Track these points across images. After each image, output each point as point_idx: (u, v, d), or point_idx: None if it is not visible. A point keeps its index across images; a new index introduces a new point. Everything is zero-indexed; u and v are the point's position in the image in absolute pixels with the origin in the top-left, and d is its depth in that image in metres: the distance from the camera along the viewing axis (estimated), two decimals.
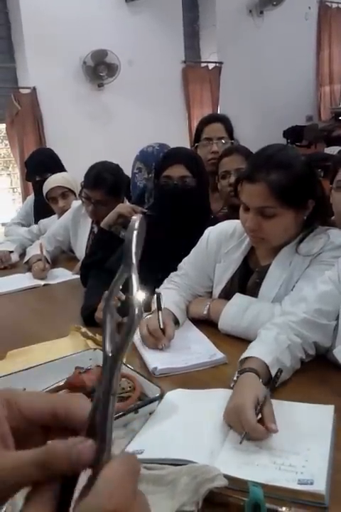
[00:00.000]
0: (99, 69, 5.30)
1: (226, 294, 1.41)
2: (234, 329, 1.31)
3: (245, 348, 1.09)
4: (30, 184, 3.75)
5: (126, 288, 0.33)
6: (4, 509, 0.32)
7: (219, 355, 1.20)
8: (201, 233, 1.54)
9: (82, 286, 1.81)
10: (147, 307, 1.35)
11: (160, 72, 5.80)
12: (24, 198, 4.60)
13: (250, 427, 0.83)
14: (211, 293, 1.50)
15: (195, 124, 5.51)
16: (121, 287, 0.35)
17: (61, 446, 0.30)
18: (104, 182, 2.05)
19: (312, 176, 1.29)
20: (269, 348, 1.05)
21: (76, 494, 0.30)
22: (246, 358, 1.04)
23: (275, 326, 1.12)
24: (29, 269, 2.26)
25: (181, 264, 1.54)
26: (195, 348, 1.26)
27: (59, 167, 2.93)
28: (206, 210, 1.75)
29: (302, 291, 1.20)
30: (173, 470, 0.75)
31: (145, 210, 1.78)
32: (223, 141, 2.19)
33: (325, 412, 0.92)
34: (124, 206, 1.92)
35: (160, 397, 0.97)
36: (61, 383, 1.02)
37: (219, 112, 6.11)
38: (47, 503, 0.29)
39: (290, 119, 6.66)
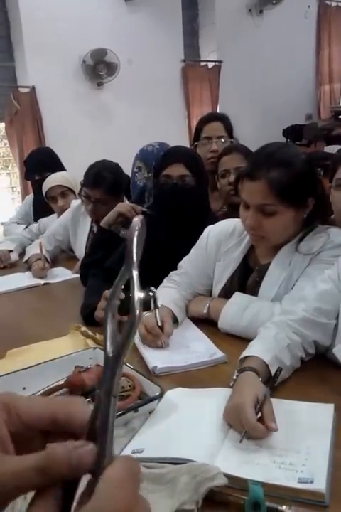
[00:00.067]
0: (99, 68, 5.29)
1: (226, 293, 1.41)
2: (233, 328, 1.31)
3: (245, 347, 1.08)
4: (29, 183, 3.75)
5: (128, 288, 0.33)
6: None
7: (219, 354, 1.20)
8: (201, 232, 1.54)
9: (81, 286, 1.81)
10: (146, 306, 1.35)
11: (159, 71, 5.80)
12: (23, 198, 4.60)
13: (250, 426, 0.83)
14: (211, 292, 1.50)
15: (194, 122, 5.51)
16: (122, 287, 0.35)
17: (61, 451, 0.29)
18: (104, 181, 2.04)
19: (313, 174, 1.30)
20: (269, 346, 1.05)
21: (76, 499, 0.30)
22: (246, 357, 1.03)
23: (274, 324, 1.12)
24: (29, 269, 2.26)
25: (181, 263, 1.54)
26: (194, 347, 1.26)
27: (58, 166, 2.93)
28: (205, 209, 1.74)
29: (302, 290, 1.20)
30: (173, 469, 0.75)
31: (145, 210, 1.78)
32: (222, 140, 2.19)
33: (325, 411, 0.92)
34: (124, 205, 1.92)
35: (160, 396, 0.97)
36: (61, 382, 1.02)
37: (218, 110, 6.10)
38: (50, 509, 0.29)
39: (290, 117, 6.65)
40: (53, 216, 2.73)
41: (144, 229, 0.34)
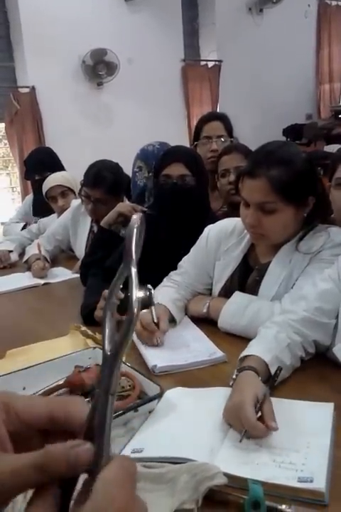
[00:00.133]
0: (99, 68, 5.29)
1: (226, 292, 1.41)
2: (233, 327, 1.31)
3: (245, 346, 1.08)
4: (29, 183, 3.76)
5: (126, 286, 0.33)
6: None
7: (219, 353, 1.20)
8: (201, 232, 1.54)
9: (81, 285, 1.81)
10: (144, 305, 1.35)
11: (159, 71, 5.80)
12: (23, 198, 4.60)
13: (250, 425, 0.83)
14: (211, 291, 1.50)
15: (194, 122, 5.51)
16: (121, 286, 0.35)
17: (59, 449, 0.30)
18: (104, 180, 2.04)
19: (313, 173, 1.30)
20: (269, 346, 1.05)
21: (74, 498, 0.30)
22: (246, 356, 1.03)
23: (275, 324, 1.12)
24: (28, 269, 2.26)
25: (181, 263, 1.54)
26: (194, 346, 1.26)
27: (58, 166, 2.93)
28: (205, 209, 1.74)
29: (302, 290, 1.20)
30: (173, 468, 0.75)
31: (146, 209, 1.78)
32: (222, 139, 2.18)
33: (325, 410, 0.92)
34: (124, 205, 1.92)
35: (160, 395, 0.97)
36: (61, 382, 1.02)
37: (218, 110, 6.10)
38: (49, 508, 0.29)
39: (290, 117, 6.65)
40: (53, 216, 2.73)
41: (143, 226, 0.34)
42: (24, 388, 1.03)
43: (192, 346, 1.27)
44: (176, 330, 1.37)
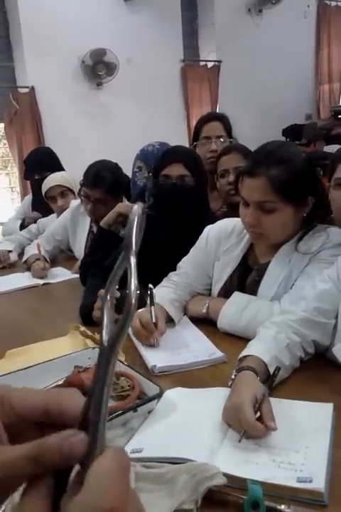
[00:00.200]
0: (98, 68, 5.29)
1: (226, 292, 1.41)
2: (232, 328, 1.31)
3: (244, 346, 1.08)
4: (28, 184, 3.75)
5: (123, 286, 0.33)
6: (3, 509, 0.32)
7: (219, 353, 1.20)
8: (200, 232, 1.54)
9: (81, 286, 1.81)
10: (141, 302, 1.35)
11: (158, 71, 5.80)
12: (23, 198, 4.60)
13: (249, 425, 0.83)
14: (210, 291, 1.50)
15: (193, 122, 5.51)
16: (117, 286, 0.35)
17: (53, 440, 0.29)
18: (103, 180, 2.04)
19: (313, 173, 1.30)
20: (268, 346, 1.05)
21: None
22: (245, 357, 1.03)
23: (274, 324, 1.12)
24: (28, 269, 2.26)
25: (180, 264, 1.54)
26: (194, 347, 1.26)
27: (58, 166, 2.93)
28: (205, 209, 1.74)
29: (301, 290, 1.20)
30: (172, 468, 0.75)
31: (146, 209, 1.78)
32: (222, 139, 2.19)
33: (324, 410, 0.92)
34: (124, 205, 1.92)
35: (159, 395, 0.97)
36: (60, 382, 1.02)
37: (217, 110, 6.10)
38: (43, 497, 0.29)
39: (289, 117, 6.66)
40: (53, 216, 2.73)
41: (144, 217, 0.34)
42: None
43: (191, 346, 1.27)
44: (175, 330, 1.37)
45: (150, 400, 0.96)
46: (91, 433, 0.30)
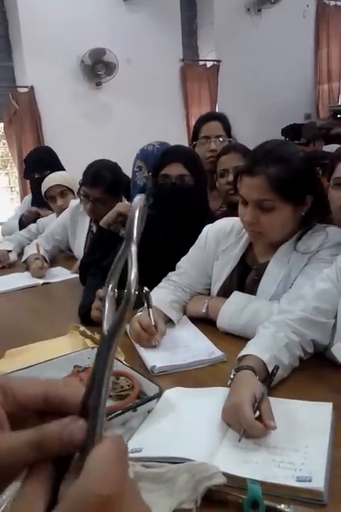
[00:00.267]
0: (97, 68, 5.29)
1: (225, 292, 1.41)
2: (232, 327, 1.31)
3: (243, 346, 1.08)
4: (28, 183, 3.75)
5: (122, 287, 0.33)
6: (4, 497, 0.32)
7: (218, 353, 1.20)
8: (199, 232, 1.54)
9: (80, 285, 1.81)
10: (139, 302, 1.35)
11: (158, 71, 5.80)
12: (22, 197, 4.60)
13: (248, 425, 0.83)
14: (210, 291, 1.50)
15: (193, 122, 5.49)
16: (117, 288, 0.35)
17: (53, 427, 0.30)
18: (103, 180, 2.04)
19: (311, 172, 1.30)
20: (267, 345, 1.05)
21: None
22: (244, 356, 1.03)
23: (273, 324, 1.12)
24: (27, 269, 2.26)
25: (179, 264, 1.54)
26: (193, 346, 1.26)
27: (57, 165, 2.93)
28: (204, 209, 1.74)
29: (300, 289, 1.20)
30: (172, 468, 0.75)
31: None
32: (221, 139, 2.19)
33: (324, 410, 0.92)
34: (124, 205, 1.92)
35: (159, 395, 0.97)
36: None
37: (217, 110, 6.10)
38: (43, 482, 0.29)
39: (289, 117, 6.66)
40: (52, 216, 2.73)
41: (146, 208, 0.34)
42: None
43: (191, 346, 1.27)
44: (175, 330, 1.37)
45: (150, 399, 0.96)
46: (91, 420, 0.30)
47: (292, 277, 1.29)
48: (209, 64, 6.40)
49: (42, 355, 1.18)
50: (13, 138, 5.14)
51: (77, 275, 1.97)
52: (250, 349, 1.05)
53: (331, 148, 5.03)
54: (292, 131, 6.59)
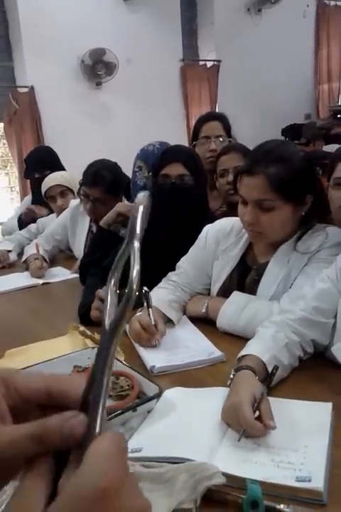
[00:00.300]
0: (97, 68, 5.29)
1: (225, 292, 1.41)
2: (232, 328, 1.31)
3: (243, 346, 1.08)
4: (28, 183, 3.76)
5: (123, 286, 0.33)
6: (4, 497, 0.32)
7: (218, 353, 1.20)
8: (199, 232, 1.54)
9: (80, 285, 1.81)
10: (138, 302, 1.35)
11: (158, 71, 5.80)
12: (22, 198, 4.60)
13: (248, 425, 0.83)
14: (210, 291, 1.50)
15: (193, 122, 5.49)
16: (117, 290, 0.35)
17: (54, 421, 0.30)
18: (103, 180, 2.04)
19: (311, 172, 1.30)
20: (266, 345, 1.05)
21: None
22: (244, 356, 1.03)
23: (273, 324, 1.12)
24: (27, 269, 2.26)
25: (179, 264, 1.54)
26: (193, 346, 1.26)
27: (58, 165, 2.93)
28: (204, 209, 1.74)
29: (300, 289, 1.20)
30: (171, 468, 0.75)
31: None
32: (221, 139, 2.19)
33: (323, 410, 0.92)
34: (124, 205, 1.92)
35: (159, 395, 0.97)
36: None
37: (217, 110, 6.10)
38: (44, 475, 0.29)
39: (289, 117, 6.66)
40: (52, 216, 2.73)
41: (150, 205, 0.35)
42: None
43: (190, 346, 1.27)
44: (175, 330, 1.37)
45: (150, 399, 0.96)
46: (91, 415, 0.30)
47: (292, 277, 1.29)
48: (209, 64, 6.40)
49: (42, 355, 1.18)
50: (13, 138, 5.14)
51: (76, 275, 1.97)
52: (250, 349, 1.05)
53: (331, 148, 5.03)
54: (292, 131, 6.59)
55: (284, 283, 1.30)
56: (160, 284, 1.50)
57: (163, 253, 1.59)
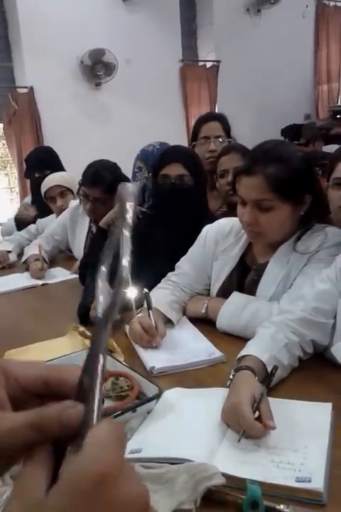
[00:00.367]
0: (97, 68, 5.29)
1: (224, 292, 1.41)
2: (231, 328, 1.31)
3: (243, 346, 1.08)
4: (27, 184, 3.75)
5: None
6: (4, 497, 0.33)
7: (218, 353, 1.20)
8: (199, 232, 1.54)
9: (80, 286, 1.81)
10: (139, 303, 1.35)
11: (157, 71, 5.80)
12: (22, 198, 4.60)
13: (247, 425, 0.83)
14: (209, 291, 1.50)
15: (192, 122, 5.49)
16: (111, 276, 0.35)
17: (53, 409, 0.31)
18: (102, 180, 2.04)
19: (310, 172, 1.30)
20: (266, 346, 1.05)
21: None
22: (243, 356, 1.03)
23: (272, 324, 1.12)
24: (27, 269, 2.26)
25: (179, 264, 1.54)
26: (193, 347, 1.26)
27: (58, 165, 2.93)
28: (204, 209, 1.74)
29: (300, 290, 1.20)
30: (171, 468, 0.75)
31: (145, 210, 1.78)
32: (220, 139, 2.19)
33: (323, 410, 0.92)
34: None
35: (158, 395, 0.97)
36: None
37: (216, 110, 6.11)
38: (44, 462, 0.30)
39: (288, 117, 6.66)
40: (52, 216, 2.73)
41: (138, 194, 0.35)
42: None
43: (190, 346, 1.27)
44: (174, 330, 1.37)
45: (150, 400, 0.96)
46: (88, 403, 0.31)
47: (291, 277, 1.29)
48: (208, 64, 6.40)
49: (42, 355, 1.18)
50: (13, 138, 5.14)
51: (76, 275, 1.97)
52: (249, 349, 1.05)
53: (330, 148, 5.03)
54: (291, 132, 6.59)
55: (284, 283, 1.30)
56: (160, 285, 1.50)
57: (163, 253, 1.59)
